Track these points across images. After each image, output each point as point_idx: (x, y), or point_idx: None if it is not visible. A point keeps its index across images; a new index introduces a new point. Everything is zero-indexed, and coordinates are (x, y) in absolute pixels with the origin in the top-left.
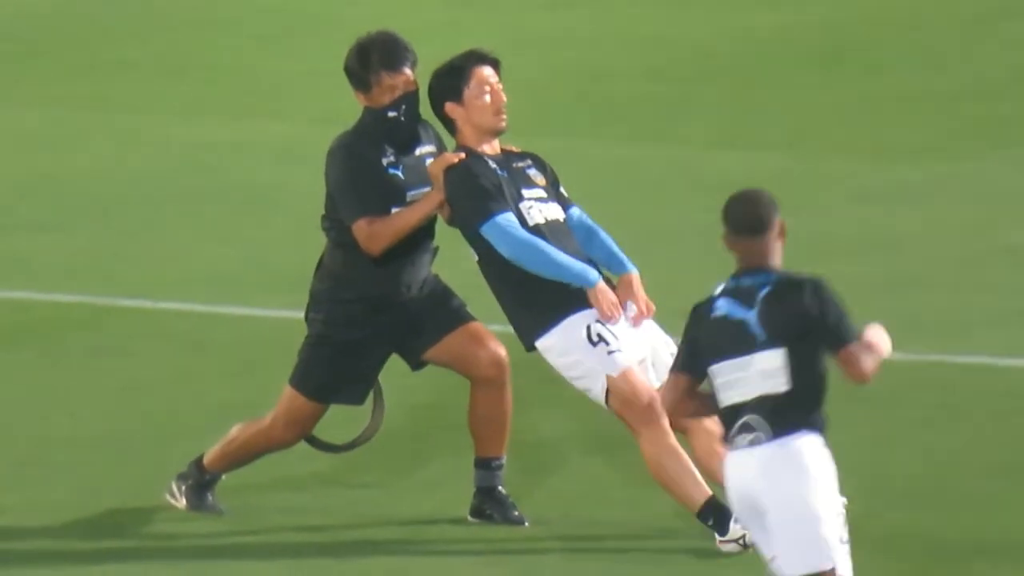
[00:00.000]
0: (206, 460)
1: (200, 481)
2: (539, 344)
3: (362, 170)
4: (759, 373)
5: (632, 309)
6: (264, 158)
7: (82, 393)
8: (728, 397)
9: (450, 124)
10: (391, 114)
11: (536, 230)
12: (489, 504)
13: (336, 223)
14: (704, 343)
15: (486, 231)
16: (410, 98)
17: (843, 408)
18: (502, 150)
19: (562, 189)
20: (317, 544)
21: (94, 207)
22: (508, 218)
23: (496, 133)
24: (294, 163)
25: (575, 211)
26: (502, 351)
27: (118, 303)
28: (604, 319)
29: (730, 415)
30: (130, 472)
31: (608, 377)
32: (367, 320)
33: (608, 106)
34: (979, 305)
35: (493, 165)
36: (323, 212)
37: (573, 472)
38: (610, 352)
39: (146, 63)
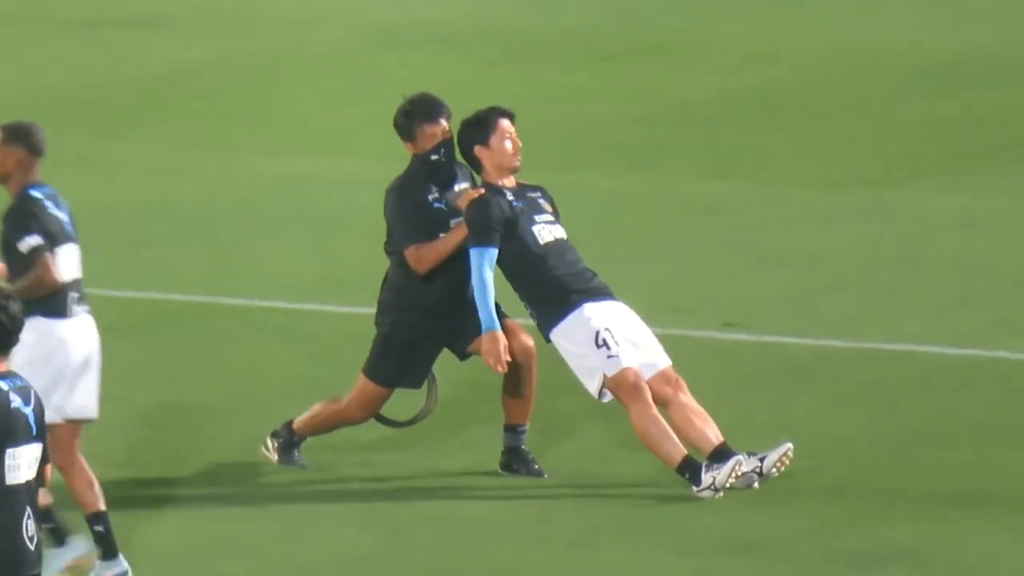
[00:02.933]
0: (295, 424)
1: (289, 441)
2: (552, 335)
3: (411, 207)
4: None
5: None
6: (335, 188)
7: (195, 373)
8: None
9: (476, 163)
10: (433, 157)
11: (548, 247)
12: (515, 460)
13: (395, 248)
14: None
15: (471, 253)
16: (447, 143)
17: (795, 387)
18: (517, 184)
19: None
20: (381, 491)
21: (203, 226)
22: (487, 252)
23: (514, 171)
24: (358, 191)
25: None
26: (530, 342)
27: (221, 301)
28: (486, 360)
29: None
30: (235, 433)
31: (604, 375)
32: (422, 323)
33: (608, 146)
34: (904, 302)
35: (510, 197)
36: (385, 240)
37: (581, 436)
38: (610, 356)
39: (242, 112)
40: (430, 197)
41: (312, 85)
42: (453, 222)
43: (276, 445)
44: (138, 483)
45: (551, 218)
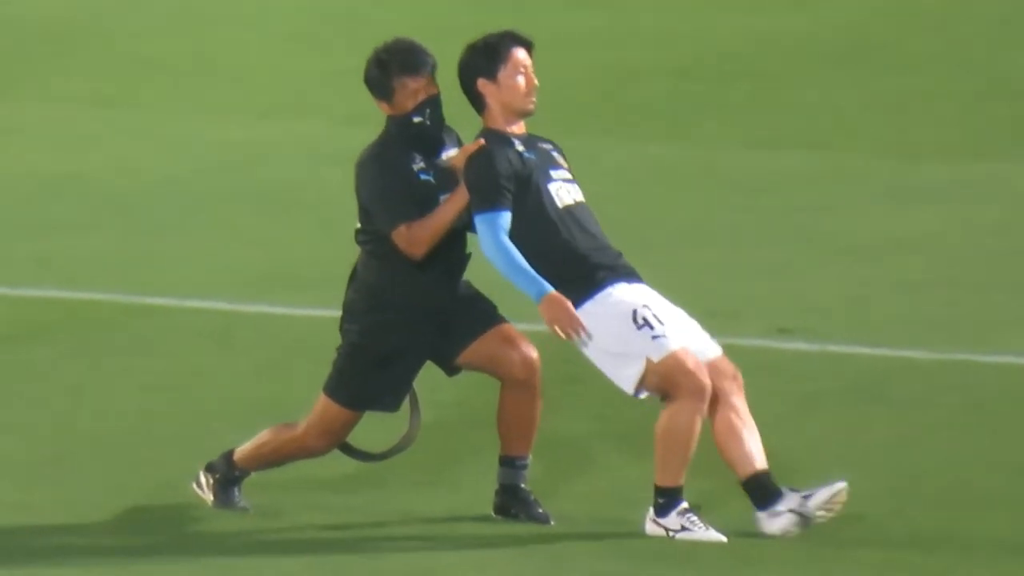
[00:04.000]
0: (236, 457)
1: (228, 476)
2: (579, 311)
3: (395, 179)
4: None
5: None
6: (289, 158)
7: (108, 391)
8: None
9: (479, 101)
10: (416, 119)
11: (566, 211)
12: (513, 503)
13: (372, 235)
14: None
15: (477, 221)
16: (434, 102)
17: (868, 409)
18: (526, 132)
19: None
20: (341, 541)
21: (120, 206)
22: (500, 217)
23: (525, 115)
24: (320, 163)
25: None
26: (534, 353)
27: (144, 301)
28: (554, 330)
29: None
30: (155, 469)
31: (648, 360)
32: (402, 331)
33: (633, 106)
34: (1005, 305)
35: (520, 147)
36: (357, 226)
37: (598, 471)
38: (655, 337)
39: (172, 62)
40: (415, 167)
41: (260, 28)
42: (443, 197)
43: (211, 482)
44: (34, 531)
45: (568, 176)
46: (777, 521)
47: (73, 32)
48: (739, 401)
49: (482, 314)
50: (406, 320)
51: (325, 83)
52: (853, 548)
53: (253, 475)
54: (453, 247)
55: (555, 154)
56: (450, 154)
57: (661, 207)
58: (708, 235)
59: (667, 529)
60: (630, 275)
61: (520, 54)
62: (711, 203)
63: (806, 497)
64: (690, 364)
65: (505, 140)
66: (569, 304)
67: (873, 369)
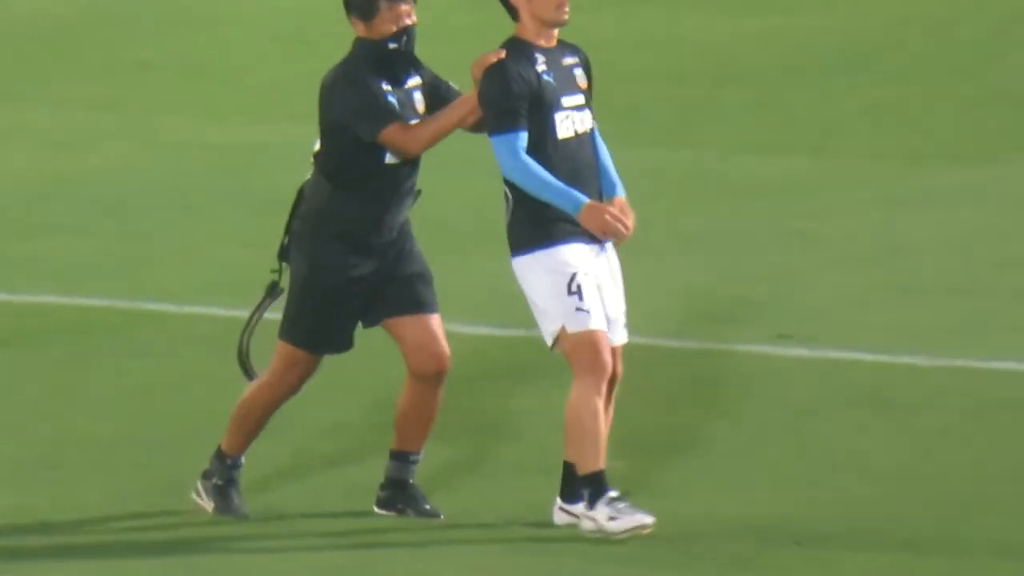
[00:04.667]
0: (223, 447)
1: (224, 476)
2: (517, 260)
3: (369, 91)
4: None
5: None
6: (283, 161)
7: (103, 395)
8: None
9: (512, 9)
10: (391, 45)
11: (564, 144)
12: (401, 498)
13: (333, 156)
14: None
15: (494, 143)
16: (411, 31)
17: (867, 415)
18: (557, 43)
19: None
20: (338, 546)
21: (114, 209)
22: (519, 138)
23: (557, 25)
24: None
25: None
26: (446, 352)
27: (138, 306)
28: (599, 235)
29: None
30: (152, 473)
31: (563, 328)
32: (348, 262)
33: (632, 110)
34: (1004, 311)
35: (541, 66)
36: (316, 148)
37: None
38: (579, 309)
39: (164, 64)
40: (384, 86)
41: (254, 29)
42: (411, 121)
43: (210, 487)
44: (32, 533)
45: (581, 101)
46: (567, 518)
47: (71, 36)
48: (611, 395)
49: (421, 295)
50: (351, 250)
51: (317, 86)
52: (851, 552)
53: (248, 481)
54: (404, 181)
55: (577, 71)
56: (412, 83)
57: (658, 212)
58: (706, 240)
59: (586, 518)
60: (596, 240)
61: None
62: (708, 208)
63: (612, 518)
64: (600, 345)
65: (527, 55)
66: (608, 209)
67: (874, 375)
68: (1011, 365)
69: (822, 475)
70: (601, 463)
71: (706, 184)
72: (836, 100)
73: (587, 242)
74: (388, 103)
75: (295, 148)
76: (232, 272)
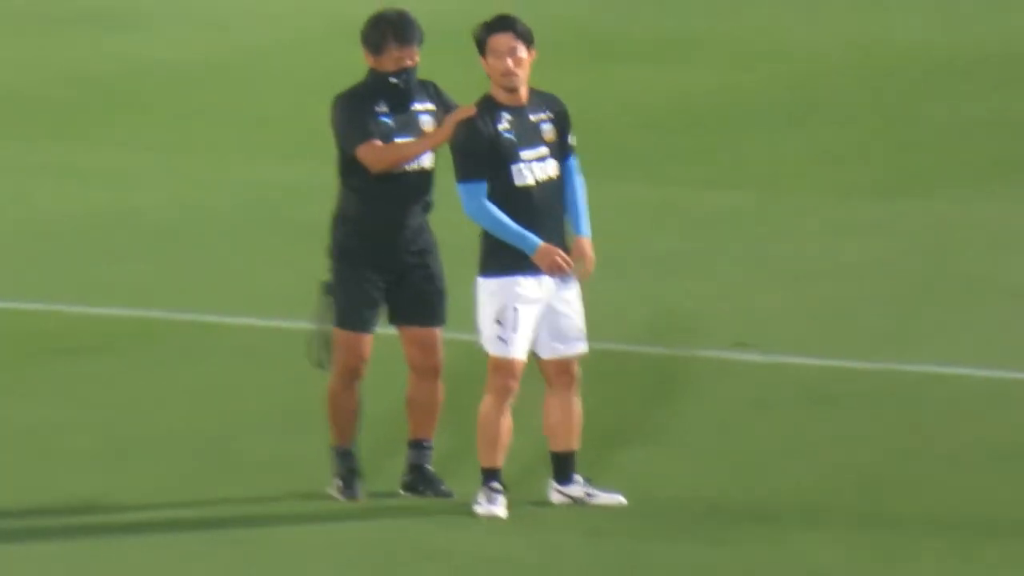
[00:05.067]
0: (331, 443)
1: (344, 468)
2: (480, 280)
3: (358, 111)
4: None
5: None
6: (312, 196)
7: (157, 397)
8: None
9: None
10: (393, 80)
11: (523, 191)
12: (420, 481)
13: (350, 167)
14: None
15: (459, 188)
16: (411, 71)
17: (814, 411)
18: (529, 97)
19: (570, 138)
20: (370, 520)
21: (170, 236)
22: (477, 186)
23: (507, 89)
24: None
25: (571, 162)
26: (439, 359)
27: (188, 318)
28: (548, 274)
29: None
30: (195, 467)
31: (487, 349)
32: (365, 252)
33: (607, 151)
34: (931, 321)
35: (504, 124)
36: (339, 167)
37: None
38: (500, 338)
39: (210, 113)
40: (377, 108)
41: (286, 82)
42: (397, 139)
43: (339, 484)
44: (106, 514)
45: (544, 153)
46: (561, 498)
47: (130, 85)
48: (567, 393)
49: (427, 311)
50: (366, 238)
51: None
52: (800, 528)
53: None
54: (414, 187)
55: (544, 126)
56: (419, 107)
57: (634, 238)
58: (674, 262)
59: (488, 508)
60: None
61: (498, 40)
62: (676, 235)
63: (589, 495)
64: (509, 370)
65: (493, 112)
66: (558, 251)
67: (819, 378)
68: (936, 368)
69: (774, 462)
70: (496, 461)
71: (675, 214)
72: (784, 142)
73: (535, 275)
74: (368, 124)
75: (320, 185)
76: (268, 289)
